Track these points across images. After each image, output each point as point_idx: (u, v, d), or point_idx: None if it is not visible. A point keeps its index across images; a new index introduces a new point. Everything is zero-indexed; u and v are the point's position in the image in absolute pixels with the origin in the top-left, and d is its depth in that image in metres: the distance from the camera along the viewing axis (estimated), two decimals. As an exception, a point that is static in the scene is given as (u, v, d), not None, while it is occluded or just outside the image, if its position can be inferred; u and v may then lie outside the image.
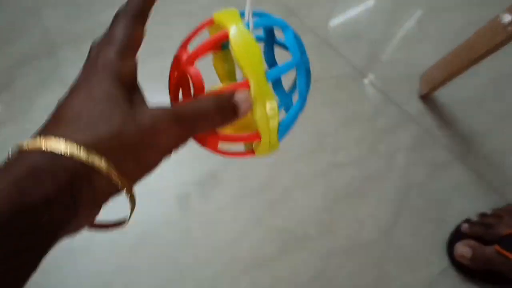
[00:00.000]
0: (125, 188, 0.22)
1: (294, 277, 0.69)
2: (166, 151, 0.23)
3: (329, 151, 0.80)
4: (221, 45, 0.31)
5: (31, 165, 0.19)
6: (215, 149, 0.29)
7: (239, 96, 0.24)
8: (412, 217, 0.74)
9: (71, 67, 0.89)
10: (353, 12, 1.01)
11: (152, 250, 0.71)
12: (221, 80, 0.33)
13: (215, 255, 0.71)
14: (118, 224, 0.26)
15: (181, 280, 0.69)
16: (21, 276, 0.19)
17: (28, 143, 0.20)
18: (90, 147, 0.20)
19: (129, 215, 0.25)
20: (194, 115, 0.23)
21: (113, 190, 0.22)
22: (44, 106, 0.83)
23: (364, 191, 0.77)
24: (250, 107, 0.24)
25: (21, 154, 0.20)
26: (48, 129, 0.21)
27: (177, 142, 0.23)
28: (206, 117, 0.23)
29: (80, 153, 0.19)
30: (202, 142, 0.28)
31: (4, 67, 0.87)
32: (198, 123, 0.23)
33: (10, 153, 0.20)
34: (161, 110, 0.22)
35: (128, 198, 0.23)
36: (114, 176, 0.20)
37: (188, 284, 0.69)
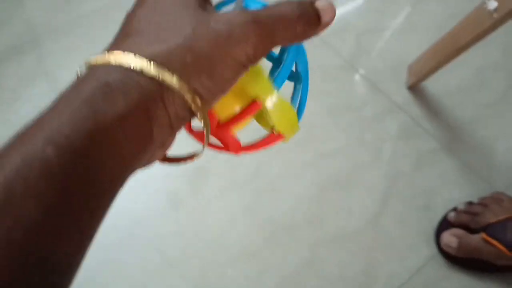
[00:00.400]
0: (199, 110, 0.19)
1: (282, 266, 0.69)
2: (242, 66, 0.20)
3: (317, 141, 0.80)
4: None
5: (101, 80, 0.17)
6: (238, 152, 0.26)
7: (322, 3, 0.21)
8: (399, 206, 0.75)
9: (55, 59, 0.87)
10: (341, 3, 1.01)
11: (140, 242, 0.70)
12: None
13: (203, 246, 0.70)
14: (192, 157, 0.23)
15: (169, 272, 0.68)
16: (97, 210, 0.17)
17: (96, 58, 0.18)
18: (160, 61, 0.18)
19: (203, 144, 0.22)
20: (274, 21, 0.20)
21: (187, 113, 0.19)
22: (28, 98, 0.82)
23: (352, 180, 0.77)
24: (334, 16, 0.22)
25: (90, 70, 0.18)
26: (116, 44, 0.20)
27: (254, 54, 0.20)
28: (287, 23, 0.20)
29: (150, 68, 0.17)
30: (225, 149, 0.25)
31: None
32: (278, 31, 0.20)
33: (79, 71, 0.19)
34: (237, 14, 0.19)
35: (202, 122, 0.20)
36: (187, 95, 0.18)
37: (175, 275, 0.68)
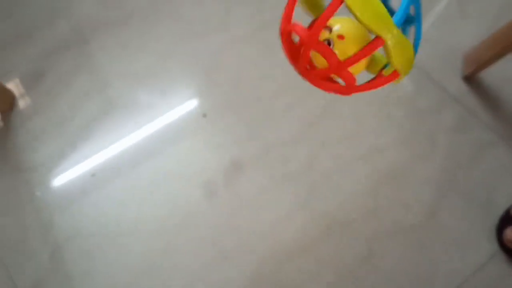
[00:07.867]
0: None
1: (339, 261, 0.68)
2: None
3: (371, 135, 0.78)
4: None
5: None
6: (351, 92, 0.29)
7: None
8: (458, 200, 0.72)
9: (103, 54, 0.88)
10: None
11: (196, 233, 0.71)
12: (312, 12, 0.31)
13: (258, 240, 0.70)
14: None
15: (225, 265, 0.68)
16: None
17: None
18: None
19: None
20: None
21: None
22: (78, 91, 0.83)
23: (407, 174, 0.75)
24: None
25: None
26: None
27: None
28: None
29: None
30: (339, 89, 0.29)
31: (39, 55, 0.88)
32: None
33: None
34: None
35: None
36: None
37: (232, 268, 0.68)
